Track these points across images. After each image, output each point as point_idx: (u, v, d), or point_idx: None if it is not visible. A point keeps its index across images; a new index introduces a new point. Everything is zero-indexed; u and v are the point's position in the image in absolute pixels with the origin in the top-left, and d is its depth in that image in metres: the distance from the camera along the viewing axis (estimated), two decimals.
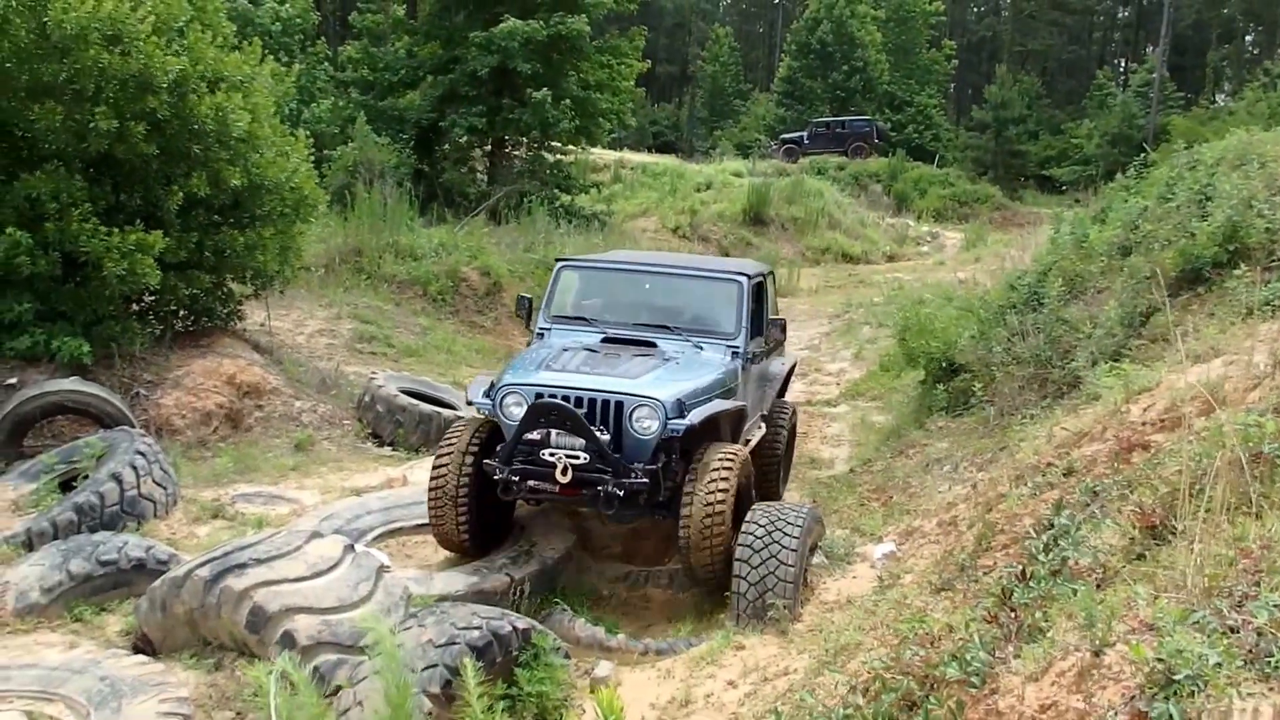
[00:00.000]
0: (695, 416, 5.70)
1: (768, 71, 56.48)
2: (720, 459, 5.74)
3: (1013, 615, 2.66)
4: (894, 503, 7.09)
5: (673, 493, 5.86)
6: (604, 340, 6.57)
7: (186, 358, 9.03)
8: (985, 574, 3.85)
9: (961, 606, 3.36)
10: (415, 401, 9.30)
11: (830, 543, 6.19)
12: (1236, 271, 5.58)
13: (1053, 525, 3.51)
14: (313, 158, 10.21)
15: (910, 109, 43.88)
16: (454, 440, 6.14)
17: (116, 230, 8.13)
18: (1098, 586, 2.74)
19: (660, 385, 5.81)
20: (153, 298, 9.10)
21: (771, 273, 8.03)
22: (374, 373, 9.99)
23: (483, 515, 6.10)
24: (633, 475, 5.58)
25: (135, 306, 9.12)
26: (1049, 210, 24.75)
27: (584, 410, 5.64)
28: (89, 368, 8.18)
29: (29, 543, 5.78)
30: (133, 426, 7.35)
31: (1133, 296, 6.72)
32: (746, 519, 5.58)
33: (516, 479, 5.72)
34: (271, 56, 10.27)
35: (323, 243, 13.61)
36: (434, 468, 6.08)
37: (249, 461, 8.16)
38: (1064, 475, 4.27)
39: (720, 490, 5.58)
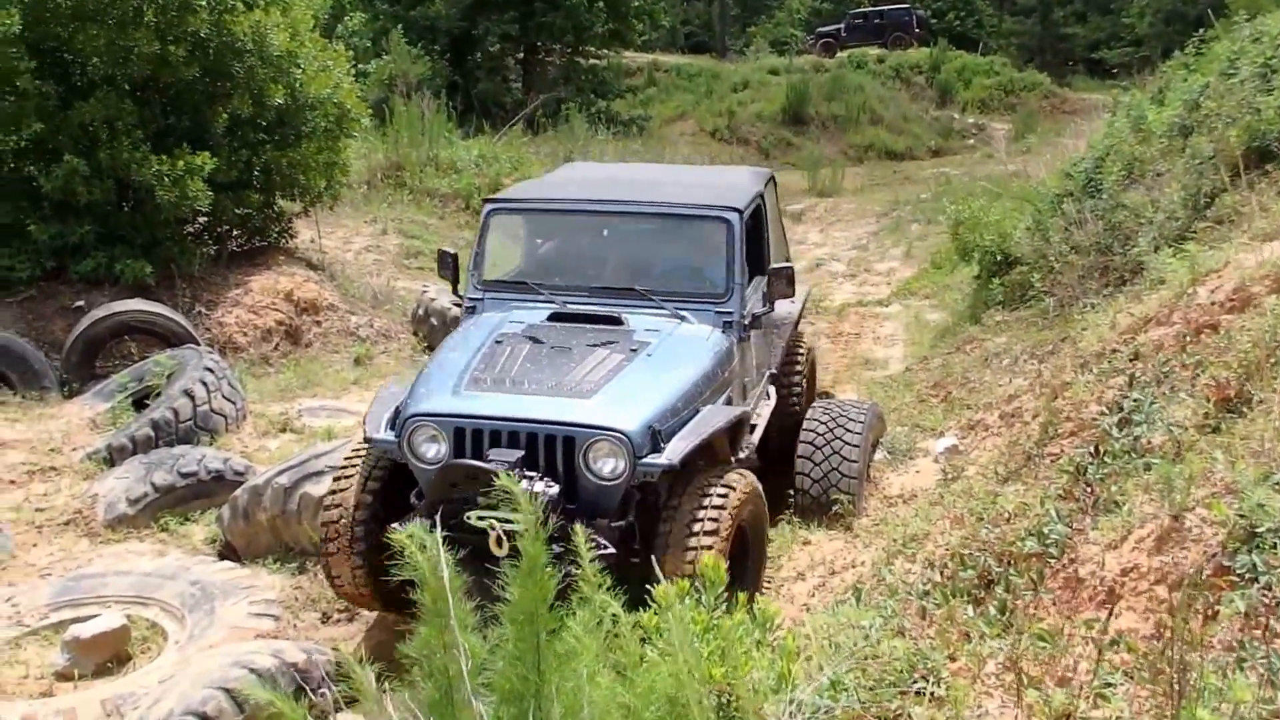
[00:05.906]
0: (676, 452, 4.08)
1: None
2: (710, 500, 4.09)
3: (1088, 490, 2.69)
4: (953, 398, 7.01)
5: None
6: (551, 318, 4.91)
7: (244, 276, 9.20)
8: (1053, 461, 3.85)
9: (1033, 487, 3.39)
10: None
11: (891, 439, 6.18)
12: None
13: (1122, 407, 3.50)
14: (353, 72, 10.14)
15: None
16: (346, 479, 4.50)
17: (165, 156, 8.22)
18: (1173, 460, 2.75)
19: (625, 403, 4.20)
20: (206, 219, 9.22)
21: (772, 180, 6.40)
22: (426, 286, 10.08)
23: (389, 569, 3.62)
24: (594, 542, 3.81)
25: (189, 229, 9.25)
26: (1100, 96, 23.82)
27: (522, 453, 4.02)
28: (151, 289, 8.37)
29: (110, 459, 6.03)
30: (198, 344, 7.54)
31: (1196, 178, 6.50)
32: (808, 416, 5.53)
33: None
34: None
35: (363, 159, 13.60)
36: (324, 509, 4.50)
37: (311, 376, 8.34)
38: (1130, 360, 4.22)
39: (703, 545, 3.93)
